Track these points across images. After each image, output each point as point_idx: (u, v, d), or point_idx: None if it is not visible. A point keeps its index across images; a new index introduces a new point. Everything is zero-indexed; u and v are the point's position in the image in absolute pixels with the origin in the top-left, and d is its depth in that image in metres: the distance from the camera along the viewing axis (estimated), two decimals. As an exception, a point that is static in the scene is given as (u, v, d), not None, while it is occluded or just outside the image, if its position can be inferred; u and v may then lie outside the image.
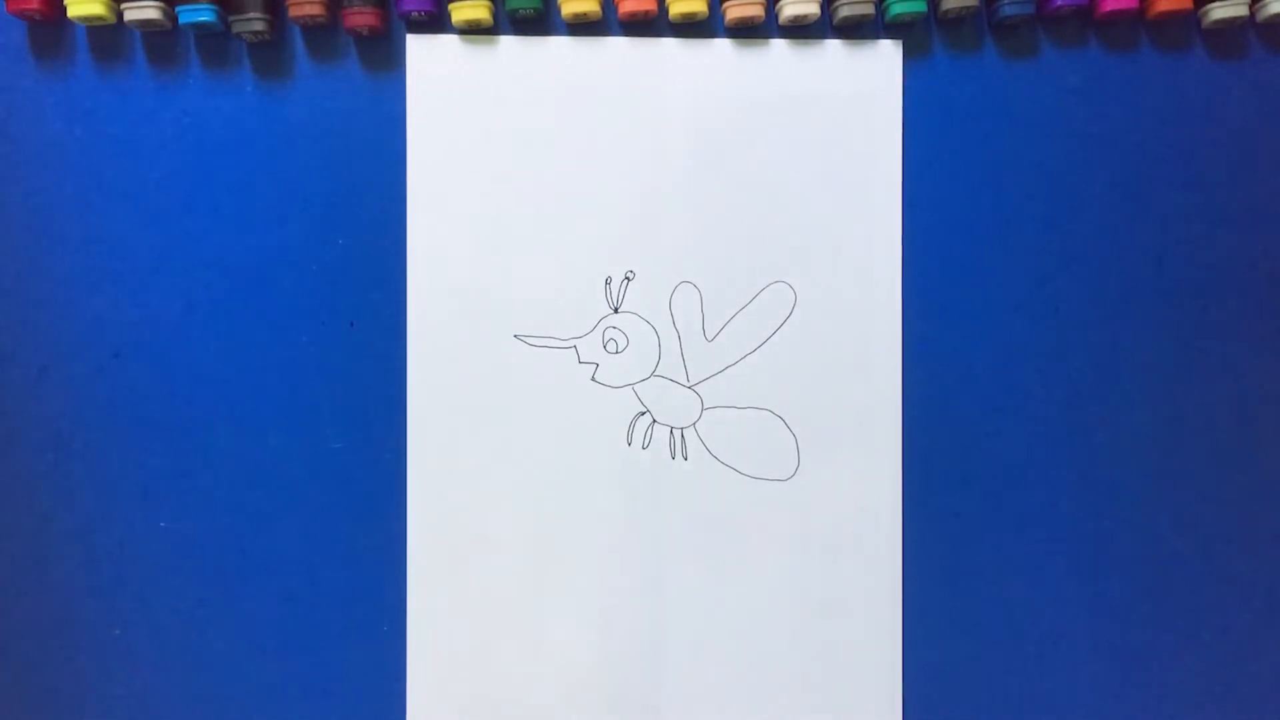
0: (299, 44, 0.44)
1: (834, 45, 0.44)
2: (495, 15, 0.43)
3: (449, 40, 0.43)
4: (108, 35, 0.43)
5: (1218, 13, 0.43)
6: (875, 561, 0.44)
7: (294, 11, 0.42)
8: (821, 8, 0.42)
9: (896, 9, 0.42)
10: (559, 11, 0.43)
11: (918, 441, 0.44)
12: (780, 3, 0.42)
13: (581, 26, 0.44)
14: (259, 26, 0.42)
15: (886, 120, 0.44)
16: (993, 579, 0.45)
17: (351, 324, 0.44)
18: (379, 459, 0.44)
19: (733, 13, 0.42)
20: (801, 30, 0.44)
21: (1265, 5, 0.43)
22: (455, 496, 0.44)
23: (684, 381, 0.44)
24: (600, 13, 0.43)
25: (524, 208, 0.44)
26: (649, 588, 0.44)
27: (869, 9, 0.42)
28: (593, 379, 0.44)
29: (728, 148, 0.44)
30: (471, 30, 0.43)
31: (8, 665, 0.44)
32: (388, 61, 0.44)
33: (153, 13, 0.41)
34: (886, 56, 0.44)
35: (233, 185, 0.43)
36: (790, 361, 0.44)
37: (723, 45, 0.44)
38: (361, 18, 0.42)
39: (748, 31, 0.44)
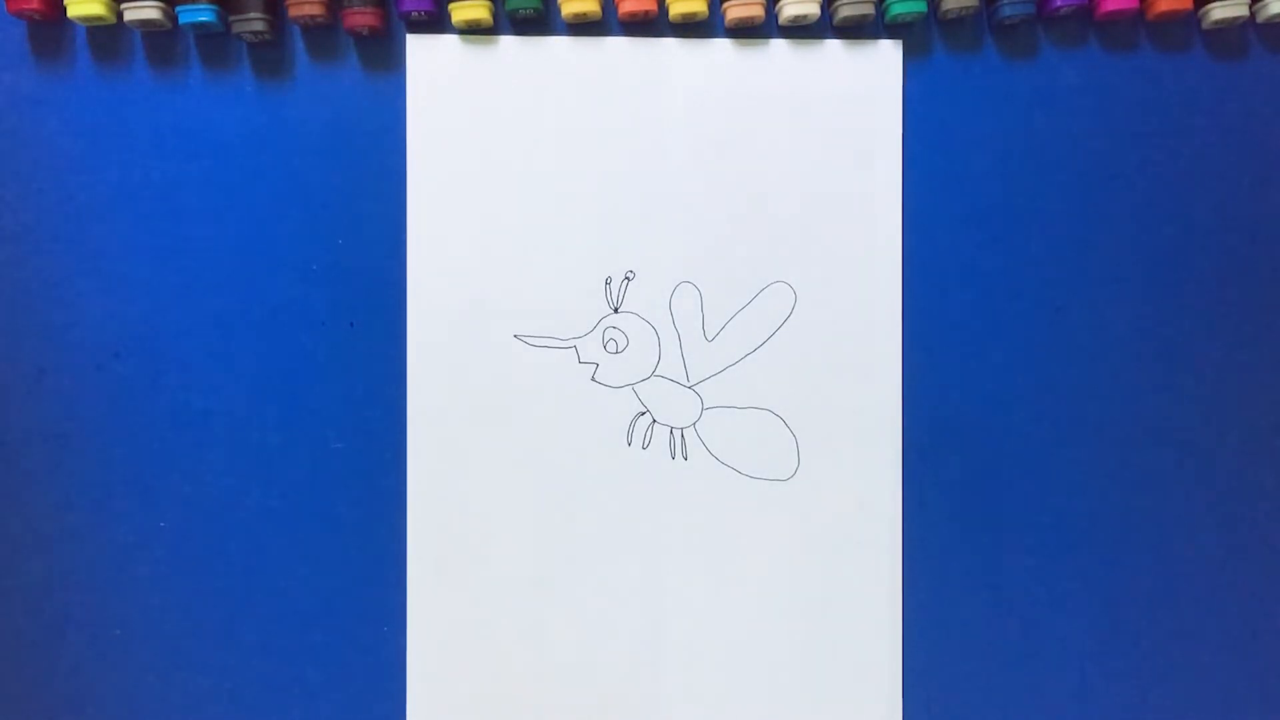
0: (299, 44, 0.44)
1: (834, 45, 0.44)
2: (495, 15, 0.43)
3: (449, 40, 0.43)
4: (108, 35, 0.43)
5: (1218, 13, 0.43)
6: (875, 561, 0.44)
7: (294, 11, 0.42)
8: (821, 8, 0.42)
9: (896, 9, 0.42)
10: (559, 11, 0.43)
11: (918, 441, 0.44)
12: (780, 3, 0.42)
13: (581, 26, 0.44)
14: (259, 26, 0.42)
15: (886, 120, 0.44)
16: (993, 579, 0.45)
17: (351, 324, 0.44)
18: (379, 459, 0.44)
19: (733, 13, 0.42)
20: (801, 30, 0.44)
21: (1265, 5, 0.43)
22: (455, 496, 0.44)
23: (684, 381, 0.44)
24: (600, 13, 0.43)
25: (524, 207, 0.44)
26: (649, 588, 0.44)
27: (869, 9, 0.42)
28: (593, 379, 0.44)
29: (728, 148, 0.44)
30: (471, 30, 0.43)
31: (7, 665, 0.44)
32: (388, 61, 0.44)
33: (153, 13, 0.41)
34: (886, 56, 0.44)
35: (233, 185, 0.43)
36: (790, 361, 0.44)
37: (723, 45, 0.44)
38: (361, 18, 0.42)
39: (748, 31, 0.44)
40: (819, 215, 0.44)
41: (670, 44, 0.44)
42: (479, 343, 0.44)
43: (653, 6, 0.42)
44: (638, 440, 0.44)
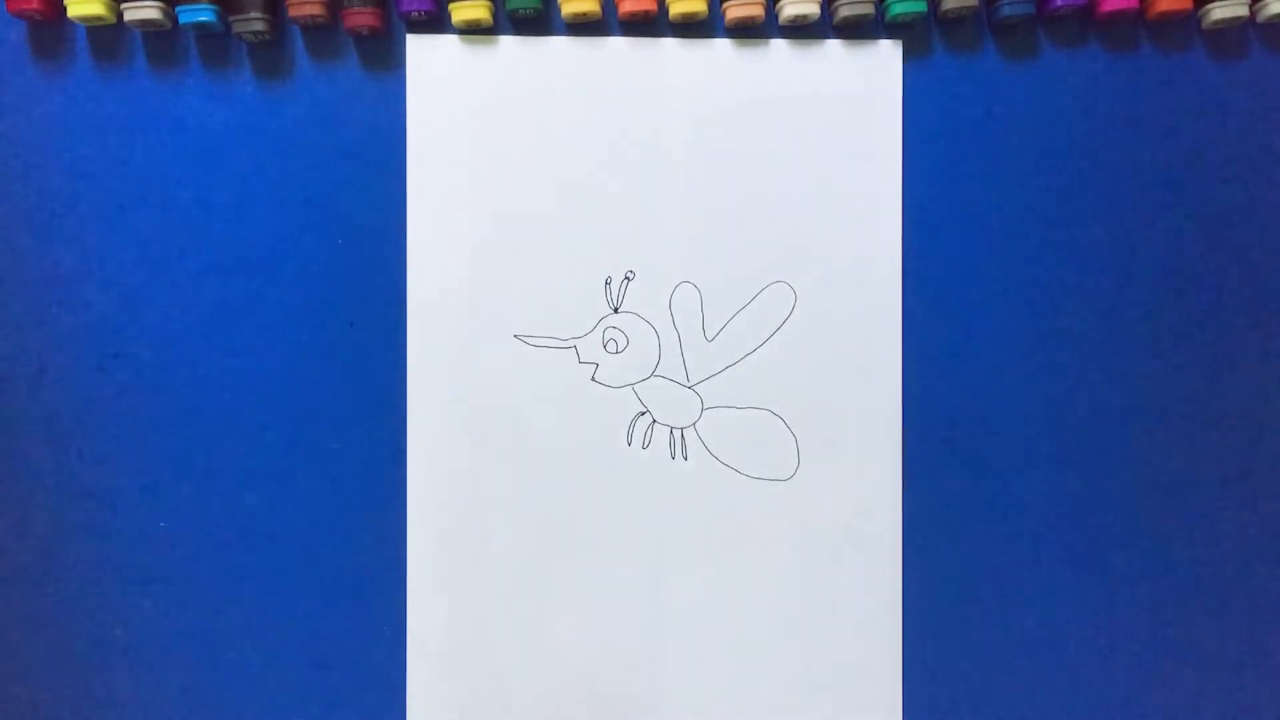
0: (299, 44, 0.44)
1: (834, 45, 0.44)
2: (495, 15, 0.43)
3: (449, 40, 0.43)
4: (108, 35, 0.43)
5: (1218, 13, 0.43)
6: (875, 561, 0.44)
7: (294, 11, 0.42)
8: (821, 8, 0.42)
9: (896, 9, 0.42)
10: (559, 11, 0.43)
11: (918, 441, 0.44)
12: (780, 3, 0.42)
13: (581, 26, 0.44)
14: (259, 26, 0.42)
15: (886, 120, 0.44)
16: (993, 579, 0.45)
17: (351, 324, 0.44)
18: (379, 459, 0.44)
19: (733, 13, 0.42)
20: (801, 30, 0.44)
21: (1265, 5, 0.43)
22: (455, 496, 0.44)
23: (684, 381, 0.44)
24: (600, 13, 0.43)
25: (524, 207, 0.44)
26: (649, 588, 0.44)
27: (869, 9, 0.42)
28: (593, 379, 0.44)
29: (728, 148, 0.44)
30: (471, 30, 0.43)
31: (8, 665, 0.44)
32: (388, 61, 0.44)
33: (153, 13, 0.41)
34: (886, 56, 0.44)
35: (233, 185, 0.43)
36: (790, 361, 0.44)
37: (723, 45, 0.44)
38: (361, 18, 0.42)
39: (748, 31, 0.44)
40: (819, 215, 0.44)
41: (670, 44, 0.44)
42: (479, 343, 0.44)
43: (653, 6, 0.42)
44: (638, 440, 0.44)
